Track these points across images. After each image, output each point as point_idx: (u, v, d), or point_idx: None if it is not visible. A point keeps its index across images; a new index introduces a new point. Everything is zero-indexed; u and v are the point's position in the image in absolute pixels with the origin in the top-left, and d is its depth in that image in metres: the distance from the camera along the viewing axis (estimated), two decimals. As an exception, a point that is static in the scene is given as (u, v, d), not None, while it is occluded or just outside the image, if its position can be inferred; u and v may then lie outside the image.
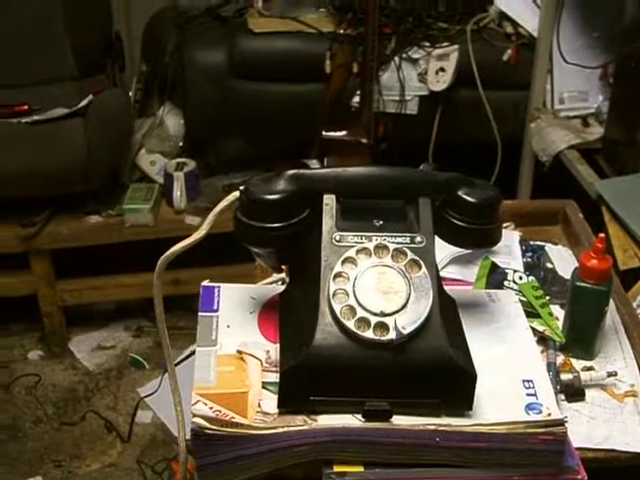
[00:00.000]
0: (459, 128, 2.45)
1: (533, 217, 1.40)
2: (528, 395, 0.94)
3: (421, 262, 0.90)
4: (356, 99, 2.39)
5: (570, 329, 1.13)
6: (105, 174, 2.38)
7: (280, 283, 1.18)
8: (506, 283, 1.19)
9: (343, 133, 2.33)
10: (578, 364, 1.12)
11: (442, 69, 2.36)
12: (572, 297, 1.12)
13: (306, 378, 0.88)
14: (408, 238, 0.92)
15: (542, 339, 1.13)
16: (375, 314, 0.87)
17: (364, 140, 2.34)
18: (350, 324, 0.87)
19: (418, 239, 0.92)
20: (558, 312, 1.19)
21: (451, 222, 0.96)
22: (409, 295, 0.88)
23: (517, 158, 2.48)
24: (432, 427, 0.89)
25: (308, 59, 2.38)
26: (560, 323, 1.16)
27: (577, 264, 1.30)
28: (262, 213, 0.94)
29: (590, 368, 1.11)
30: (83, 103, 2.27)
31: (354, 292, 0.88)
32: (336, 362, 0.87)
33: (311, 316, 0.89)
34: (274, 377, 0.94)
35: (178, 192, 2.42)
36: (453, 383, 0.89)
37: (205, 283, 1.08)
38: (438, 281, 0.92)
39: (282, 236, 0.94)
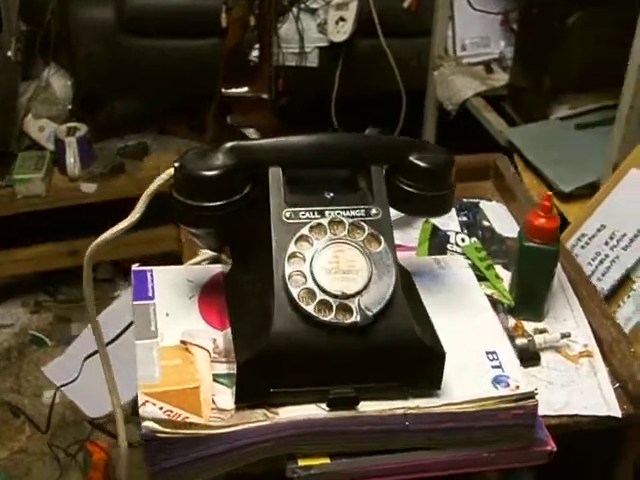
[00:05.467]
0: (362, 79, 2.39)
1: (463, 173, 1.34)
2: (494, 367, 0.90)
3: (380, 236, 0.84)
4: (255, 53, 2.30)
5: (519, 291, 1.09)
6: (-10, 143, 2.22)
7: (207, 262, 1.09)
8: (449, 246, 1.15)
9: (244, 89, 2.24)
10: (529, 326, 1.09)
11: (342, 19, 2.28)
12: (519, 258, 1.09)
13: (266, 369, 0.81)
14: (363, 210, 0.86)
15: (490, 303, 1.09)
16: (336, 296, 0.81)
17: (265, 96, 2.26)
18: (310, 308, 0.80)
19: (373, 211, 0.86)
20: (501, 273, 1.15)
21: (404, 190, 0.90)
22: (371, 273, 0.82)
23: (422, 107, 2.44)
24: (401, 411, 0.83)
25: (202, 13, 2.26)
26: (506, 284, 1.12)
27: (513, 220, 1.28)
28: (200, 191, 0.86)
29: (543, 331, 1.07)
30: (-40, 68, 2.10)
31: (312, 273, 0.81)
32: (297, 350, 0.80)
33: (266, 302, 0.82)
34: (224, 368, 0.87)
35: (71, 159, 2.29)
36: (421, 363, 0.83)
37: (135, 267, 0.99)
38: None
39: (223, 215, 0.86)
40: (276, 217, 0.84)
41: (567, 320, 1.10)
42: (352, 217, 0.85)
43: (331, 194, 0.86)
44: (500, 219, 1.27)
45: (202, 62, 2.31)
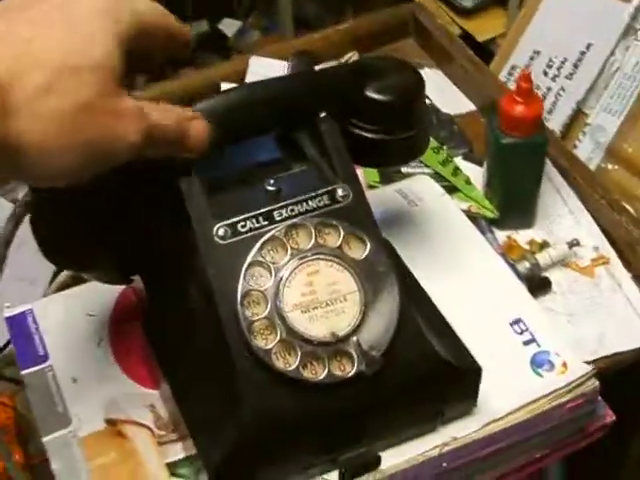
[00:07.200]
0: None
1: (376, 36, 1.07)
2: (525, 344, 0.67)
3: (361, 233, 0.58)
4: None
5: (502, 198, 0.86)
6: None
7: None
8: (400, 155, 0.89)
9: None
10: (521, 238, 0.86)
11: None
12: (497, 159, 0.85)
13: (246, 462, 0.56)
14: (326, 196, 0.59)
15: (470, 220, 0.85)
16: (324, 343, 0.55)
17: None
18: (292, 369, 0.55)
19: (340, 192, 0.59)
20: (464, 168, 0.91)
21: (363, 138, 0.63)
22: (364, 295, 0.56)
23: None
24: (435, 452, 0.61)
25: None
26: (479, 186, 0.88)
27: (455, 88, 1.02)
28: (74, 217, 0.57)
29: (544, 245, 0.85)
30: None
31: (282, 318, 0.55)
32: (285, 428, 0.55)
33: (220, 365, 0.56)
34: (180, 450, 0.61)
35: None
36: (453, 387, 0.60)
37: (7, 312, 0.70)
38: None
39: (116, 245, 0.59)
40: (206, 241, 0.56)
41: (562, 217, 0.88)
42: (314, 211, 0.58)
43: (271, 181, 0.58)
44: (439, 90, 1.01)
45: None
